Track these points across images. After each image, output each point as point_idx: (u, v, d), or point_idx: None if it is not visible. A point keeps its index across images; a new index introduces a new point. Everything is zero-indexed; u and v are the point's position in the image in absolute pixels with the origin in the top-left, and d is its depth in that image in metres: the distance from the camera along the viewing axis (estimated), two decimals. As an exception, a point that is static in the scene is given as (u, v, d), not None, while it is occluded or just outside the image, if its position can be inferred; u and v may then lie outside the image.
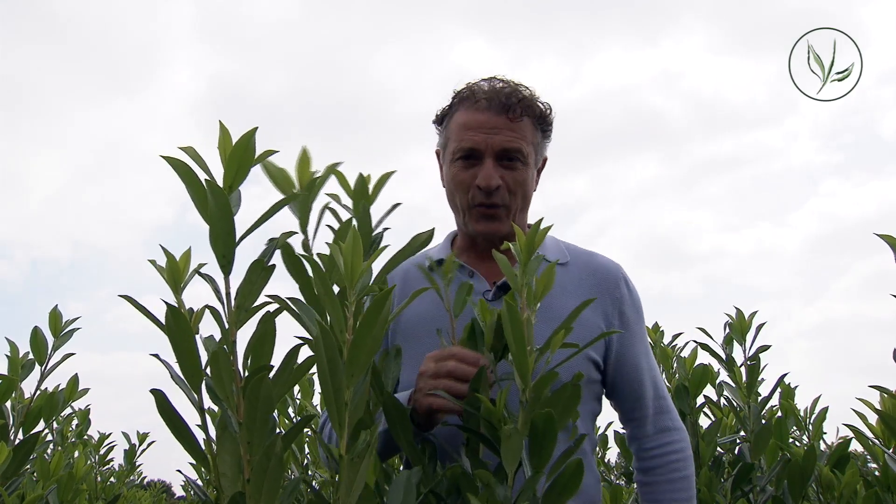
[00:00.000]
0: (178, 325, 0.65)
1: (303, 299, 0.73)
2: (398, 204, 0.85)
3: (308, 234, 0.77)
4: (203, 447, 0.72)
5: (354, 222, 0.80)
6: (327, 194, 0.80)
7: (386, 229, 0.83)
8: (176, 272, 0.68)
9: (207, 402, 0.73)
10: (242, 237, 0.65)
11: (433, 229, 0.85)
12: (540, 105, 1.29)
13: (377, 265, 0.79)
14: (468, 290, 0.99)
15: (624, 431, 1.63)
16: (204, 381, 0.70)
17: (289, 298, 0.73)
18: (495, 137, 1.24)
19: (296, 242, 0.75)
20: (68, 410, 2.40)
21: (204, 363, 0.68)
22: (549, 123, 1.32)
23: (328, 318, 0.72)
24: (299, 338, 0.73)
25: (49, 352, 1.64)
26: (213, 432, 0.70)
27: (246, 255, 0.72)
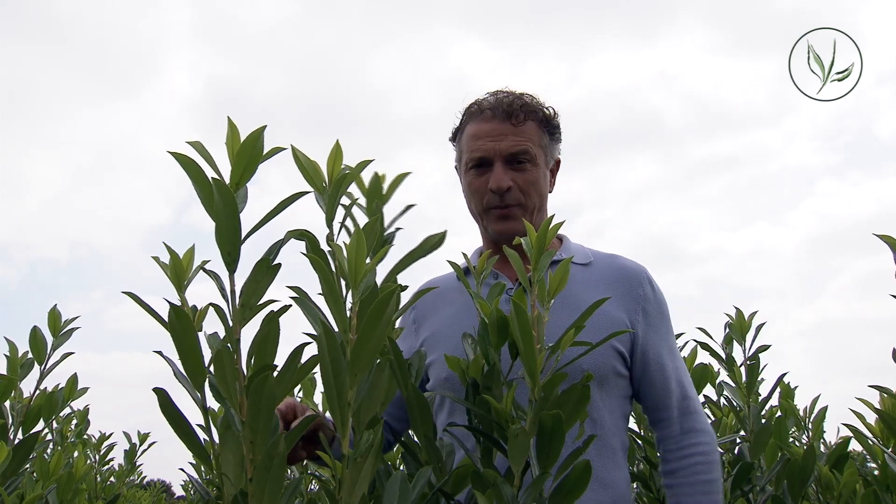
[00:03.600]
0: (182, 323, 0.65)
1: (323, 294, 0.72)
2: (412, 205, 0.85)
3: (333, 229, 0.77)
4: (205, 446, 0.72)
5: (365, 219, 0.80)
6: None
7: (398, 229, 0.83)
8: (179, 270, 0.68)
9: (210, 401, 0.72)
10: (248, 234, 0.65)
11: (445, 231, 0.85)
12: (543, 108, 1.37)
13: (383, 265, 0.79)
14: (500, 290, 1.00)
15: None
16: (207, 380, 0.70)
17: (297, 297, 0.73)
18: (501, 143, 1.32)
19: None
20: (68, 410, 2.40)
21: (207, 361, 0.68)
22: (555, 126, 1.39)
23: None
24: (308, 334, 0.73)
25: (48, 351, 1.64)
26: (214, 431, 0.70)
27: (249, 253, 0.72)
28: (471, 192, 1.37)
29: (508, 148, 1.31)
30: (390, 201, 0.84)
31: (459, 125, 1.42)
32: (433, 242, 0.84)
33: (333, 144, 0.74)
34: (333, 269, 0.71)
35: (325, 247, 0.75)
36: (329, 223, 0.76)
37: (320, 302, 0.74)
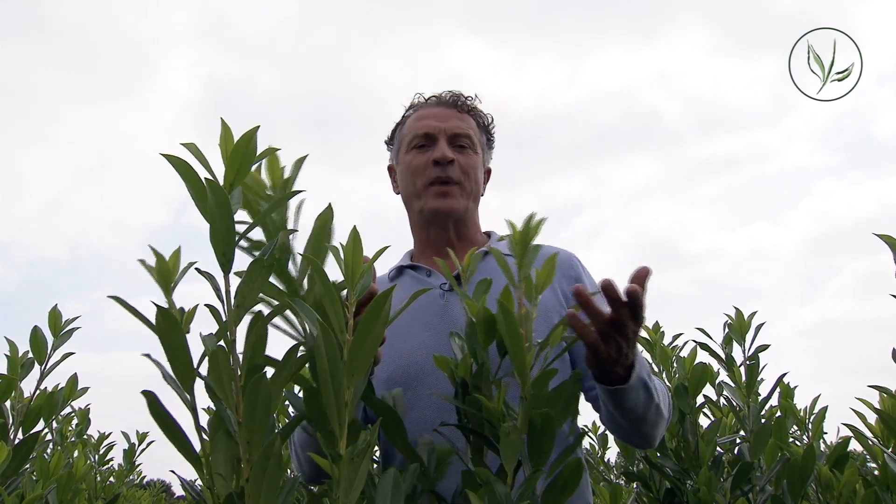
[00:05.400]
0: (169, 325, 0.65)
1: (320, 295, 0.72)
2: (302, 198, 0.79)
3: (288, 233, 0.76)
4: (198, 447, 0.72)
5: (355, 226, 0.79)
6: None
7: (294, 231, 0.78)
8: (166, 272, 0.68)
9: (205, 402, 0.72)
10: (242, 235, 0.65)
11: (329, 204, 0.79)
12: (482, 113, 1.41)
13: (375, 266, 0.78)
14: (486, 287, 0.96)
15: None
16: (203, 381, 0.70)
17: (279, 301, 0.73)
18: (447, 123, 1.35)
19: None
20: (68, 409, 2.40)
21: (197, 362, 0.68)
22: (491, 133, 1.43)
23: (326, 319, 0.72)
24: (292, 337, 0.73)
25: (49, 351, 1.64)
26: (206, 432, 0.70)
27: (243, 253, 0.72)
28: (410, 170, 1.35)
29: (453, 128, 1.34)
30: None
31: (398, 123, 1.43)
32: (324, 219, 0.78)
33: (266, 151, 0.65)
34: (295, 273, 0.71)
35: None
36: (286, 232, 0.74)
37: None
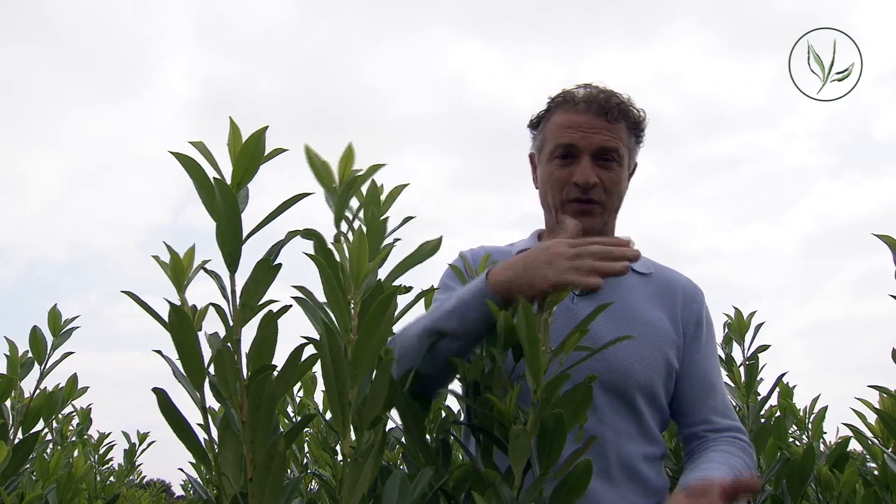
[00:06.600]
0: (182, 323, 0.65)
1: (325, 294, 0.72)
2: (411, 217, 0.85)
3: (341, 229, 0.77)
4: (204, 446, 0.72)
5: (362, 226, 0.80)
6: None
7: (397, 240, 0.82)
8: (179, 270, 0.68)
9: (209, 401, 0.72)
10: (249, 235, 0.66)
11: (440, 238, 0.85)
12: (635, 111, 1.33)
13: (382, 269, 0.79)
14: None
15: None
16: (207, 380, 0.70)
17: (298, 298, 0.73)
18: (594, 136, 1.27)
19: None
20: (69, 409, 2.40)
21: (207, 361, 0.68)
22: (643, 129, 1.36)
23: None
24: (305, 338, 0.73)
25: (48, 351, 1.64)
26: (214, 431, 0.70)
27: (247, 252, 0.72)
28: (551, 182, 1.31)
29: (600, 143, 1.27)
30: (389, 210, 0.84)
31: (544, 112, 1.36)
32: (428, 249, 0.84)
33: (346, 146, 0.75)
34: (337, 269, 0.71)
35: (332, 247, 0.75)
36: (337, 224, 0.76)
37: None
